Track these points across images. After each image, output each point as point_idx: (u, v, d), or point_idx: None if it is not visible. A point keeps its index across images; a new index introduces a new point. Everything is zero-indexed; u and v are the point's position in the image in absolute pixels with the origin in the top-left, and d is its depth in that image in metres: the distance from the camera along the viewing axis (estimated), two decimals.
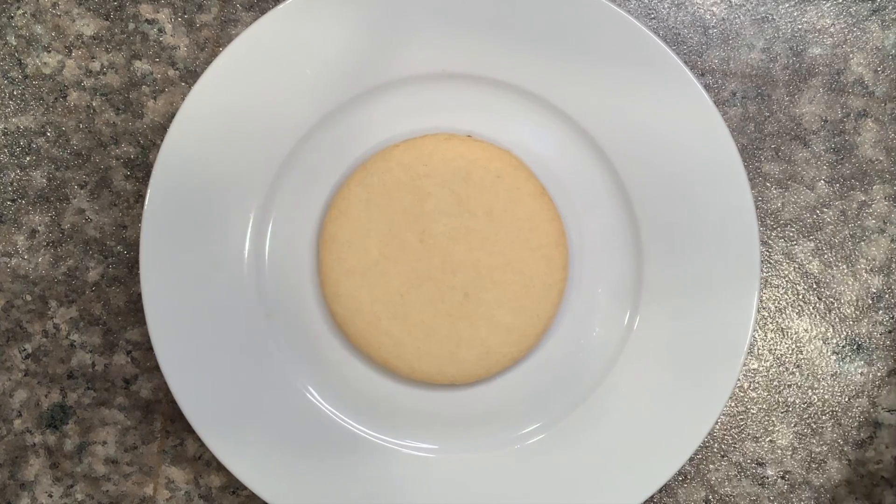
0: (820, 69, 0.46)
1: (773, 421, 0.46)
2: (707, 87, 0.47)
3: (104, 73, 0.47)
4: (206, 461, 0.48)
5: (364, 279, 0.43)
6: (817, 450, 0.47)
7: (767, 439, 0.46)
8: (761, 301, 0.45)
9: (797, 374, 0.46)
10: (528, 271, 0.43)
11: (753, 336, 0.43)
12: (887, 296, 0.47)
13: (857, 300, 0.47)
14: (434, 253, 0.43)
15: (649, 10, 0.46)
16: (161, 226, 0.43)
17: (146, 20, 0.46)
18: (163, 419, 0.48)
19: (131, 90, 0.47)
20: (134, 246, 0.47)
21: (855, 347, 0.47)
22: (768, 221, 0.47)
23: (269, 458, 0.44)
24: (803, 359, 0.46)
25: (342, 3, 0.43)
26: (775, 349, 0.46)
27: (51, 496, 0.48)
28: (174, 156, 0.43)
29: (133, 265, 0.47)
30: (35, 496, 0.48)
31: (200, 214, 0.44)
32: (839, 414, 0.47)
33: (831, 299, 0.47)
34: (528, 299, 0.43)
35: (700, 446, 0.44)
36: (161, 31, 0.46)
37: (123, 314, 0.47)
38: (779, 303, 0.46)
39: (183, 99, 0.45)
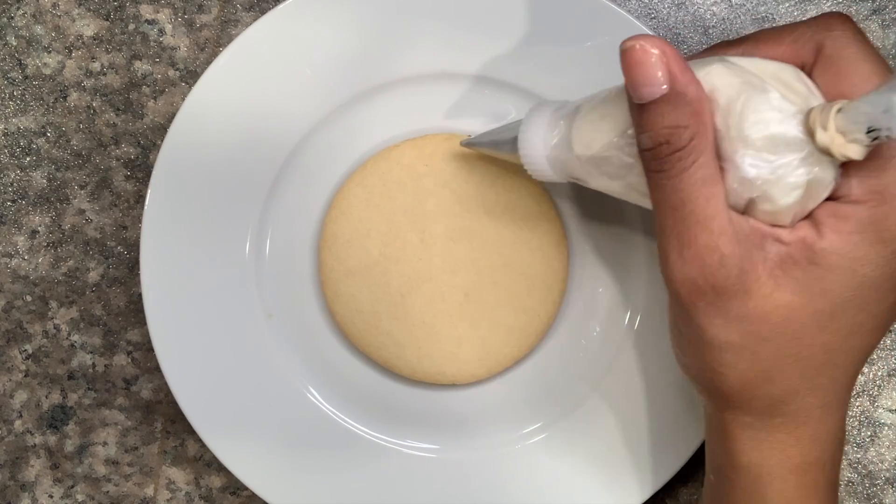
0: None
1: None
2: None
3: (104, 74, 0.47)
4: (206, 462, 0.48)
5: (364, 279, 0.43)
6: None
7: None
8: None
9: None
10: (529, 271, 0.43)
11: None
12: None
13: None
14: (434, 253, 0.43)
15: (650, 10, 0.46)
16: (161, 226, 0.43)
17: (146, 21, 0.46)
18: (163, 420, 0.48)
19: (131, 91, 0.47)
20: (134, 246, 0.47)
21: None
22: None
23: (269, 459, 0.44)
24: None
25: (342, 3, 0.43)
26: None
27: (51, 497, 0.48)
28: (174, 156, 0.43)
29: (133, 266, 0.47)
30: (36, 497, 0.48)
31: (201, 215, 0.44)
32: None
33: None
34: (529, 299, 0.43)
35: (701, 446, 0.44)
36: (161, 31, 0.47)
37: (124, 315, 0.47)
38: None
39: (183, 99, 0.45)
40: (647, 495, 0.44)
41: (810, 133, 0.29)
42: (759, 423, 0.33)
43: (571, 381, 0.45)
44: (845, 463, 0.46)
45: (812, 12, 0.46)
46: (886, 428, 0.47)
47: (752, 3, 0.46)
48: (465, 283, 0.43)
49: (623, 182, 0.34)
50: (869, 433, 0.47)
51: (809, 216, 0.31)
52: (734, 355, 0.32)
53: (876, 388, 0.47)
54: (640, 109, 0.31)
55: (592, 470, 0.44)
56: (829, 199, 0.31)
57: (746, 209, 0.31)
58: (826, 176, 0.30)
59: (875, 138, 0.28)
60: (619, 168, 0.34)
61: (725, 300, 0.31)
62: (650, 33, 0.42)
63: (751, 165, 0.30)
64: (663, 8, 0.46)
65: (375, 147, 0.44)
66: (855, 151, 0.29)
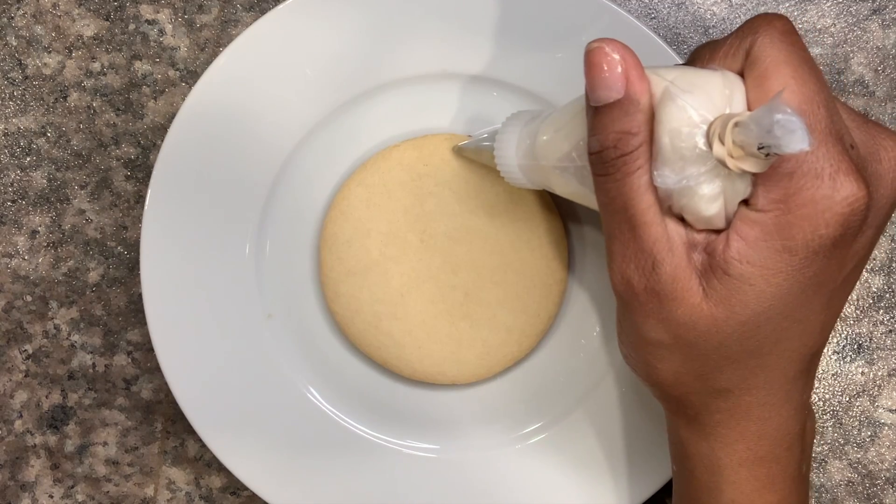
0: (820, 69, 0.46)
1: None
2: None
3: (104, 74, 0.47)
4: (206, 462, 0.48)
5: (364, 279, 0.43)
6: (818, 449, 0.47)
7: None
8: None
9: None
10: (529, 271, 0.43)
11: None
12: (888, 296, 0.47)
13: (858, 300, 0.47)
14: (434, 253, 0.43)
15: (650, 10, 0.46)
16: (161, 227, 0.43)
17: (146, 21, 0.46)
18: (163, 420, 0.48)
19: (132, 91, 0.47)
20: (134, 247, 0.47)
21: (856, 347, 0.47)
22: None
23: (269, 459, 0.44)
24: None
25: (342, 3, 0.43)
26: None
27: (51, 497, 0.48)
28: (174, 156, 0.43)
29: (133, 266, 0.47)
30: (36, 497, 0.48)
31: (201, 215, 0.44)
32: (840, 414, 0.47)
33: None
34: (529, 299, 0.43)
35: None
36: (161, 31, 0.47)
37: (124, 315, 0.47)
38: None
39: (183, 99, 0.45)
40: (649, 493, 0.44)
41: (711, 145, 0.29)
42: (701, 417, 0.34)
43: (571, 380, 0.45)
44: (845, 463, 0.47)
45: (812, 13, 0.46)
46: (886, 428, 0.47)
47: (752, 3, 0.46)
48: (465, 283, 0.43)
49: (585, 190, 0.35)
50: (869, 433, 0.47)
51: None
52: (666, 352, 0.32)
53: (876, 388, 0.47)
54: (594, 112, 0.31)
55: (593, 469, 0.44)
56: (742, 201, 0.31)
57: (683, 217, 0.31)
58: (740, 185, 0.30)
59: (767, 154, 0.28)
60: (578, 176, 0.34)
61: (657, 303, 0.31)
62: (651, 34, 0.42)
63: (658, 176, 0.30)
64: (663, 8, 0.46)
65: (375, 147, 0.44)
66: (752, 165, 0.29)
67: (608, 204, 0.32)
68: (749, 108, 0.30)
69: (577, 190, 0.35)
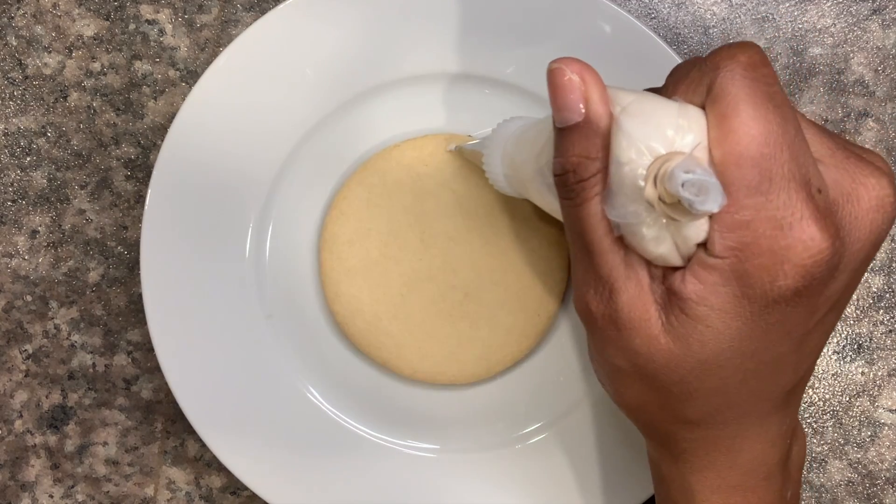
0: (820, 69, 0.46)
1: None
2: None
3: (105, 74, 0.47)
4: (206, 462, 0.48)
5: (365, 279, 0.43)
6: (818, 449, 0.47)
7: None
8: None
9: None
10: (529, 271, 0.43)
11: None
12: (888, 296, 0.47)
13: (858, 300, 0.47)
14: (434, 253, 0.43)
15: (650, 10, 0.46)
16: (162, 226, 0.43)
17: (146, 21, 0.47)
18: (163, 420, 0.48)
19: (132, 91, 0.47)
20: (134, 246, 0.47)
21: (856, 347, 0.47)
22: None
23: (269, 459, 0.44)
24: None
25: (342, 3, 0.43)
26: None
27: (51, 497, 0.48)
28: (175, 156, 0.43)
29: (134, 266, 0.47)
30: (36, 497, 0.48)
31: (201, 215, 0.44)
32: (840, 413, 0.47)
33: None
34: (529, 299, 0.43)
35: None
36: (161, 31, 0.47)
37: (124, 315, 0.47)
38: None
39: (183, 99, 0.45)
40: (646, 495, 0.44)
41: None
42: (669, 443, 0.33)
43: (571, 381, 0.45)
44: (845, 463, 0.47)
45: (812, 13, 0.46)
46: (886, 428, 0.47)
47: (752, 2, 0.46)
48: (465, 283, 0.43)
49: (557, 204, 0.34)
50: (869, 433, 0.47)
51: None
52: (629, 379, 0.31)
53: (876, 388, 0.47)
54: (558, 133, 0.30)
55: (593, 470, 0.44)
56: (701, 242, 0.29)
57: None
58: (688, 229, 0.28)
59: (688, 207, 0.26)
60: (553, 192, 0.33)
61: (615, 331, 0.30)
62: (651, 34, 0.42)
63: (606, 207, 0.29)
64: (663, 8, 0.46)
65: (375, 147, 0.44)
66: (681, 213, 0.27)
67: (570, 227, 0.31)
68: (710, 147, 0.28)
69: (552, 204, 0.34)
